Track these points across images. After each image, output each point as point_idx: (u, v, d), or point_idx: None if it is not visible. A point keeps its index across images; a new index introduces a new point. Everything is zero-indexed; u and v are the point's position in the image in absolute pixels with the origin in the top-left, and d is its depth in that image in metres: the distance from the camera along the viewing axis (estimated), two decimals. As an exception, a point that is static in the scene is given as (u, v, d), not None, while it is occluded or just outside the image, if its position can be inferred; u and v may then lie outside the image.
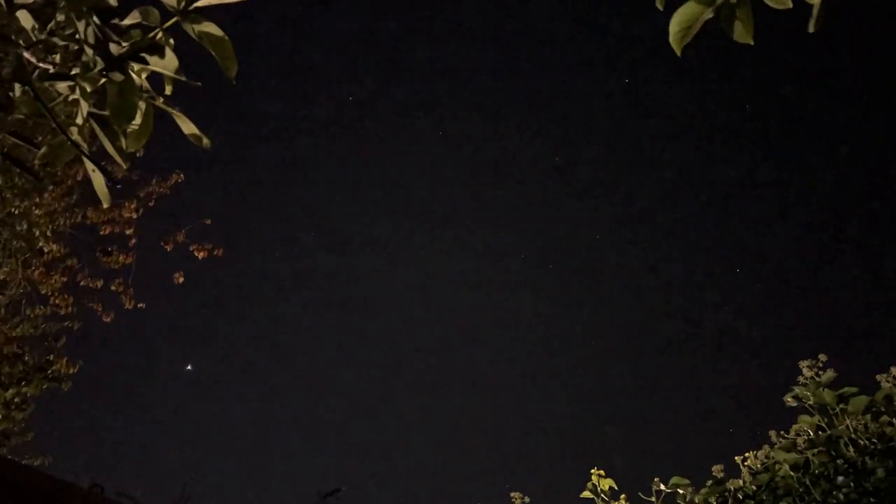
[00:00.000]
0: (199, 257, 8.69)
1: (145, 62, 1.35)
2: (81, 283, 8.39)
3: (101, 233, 8.36)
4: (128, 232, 8.46)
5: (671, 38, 1.33)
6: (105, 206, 1.36)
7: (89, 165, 1.34)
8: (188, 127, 1.43)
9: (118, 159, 1.35)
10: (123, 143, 1.39)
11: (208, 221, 8.85)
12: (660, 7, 1.32)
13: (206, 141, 1.40)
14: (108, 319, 8.44)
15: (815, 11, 1.27)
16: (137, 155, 7.78)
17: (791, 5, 1.29)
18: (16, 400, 7.64)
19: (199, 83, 1.36)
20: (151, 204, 8.49)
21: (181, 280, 8.74)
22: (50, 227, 7.77)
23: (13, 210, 7.29)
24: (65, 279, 8.21)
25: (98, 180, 1.34)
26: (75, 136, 1.39)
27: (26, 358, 7.92)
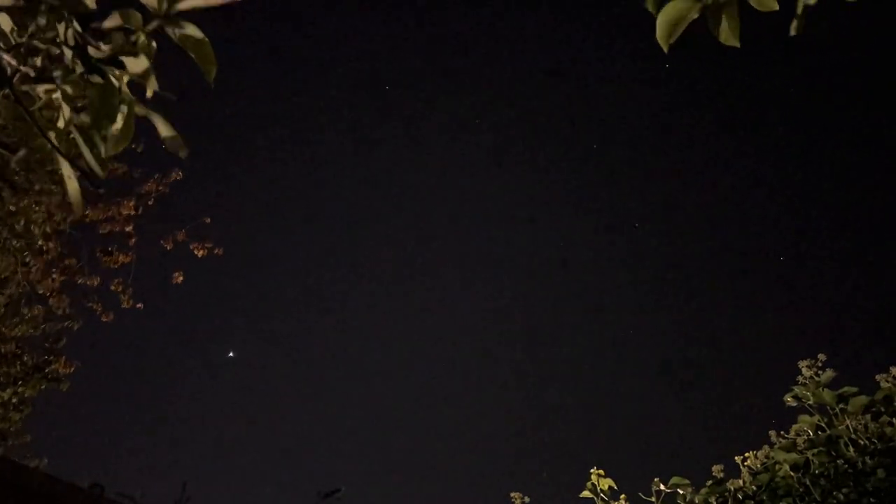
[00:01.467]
0: (200, 256, 8.67)
1: (122, 66, 1.33)
2: (80, 283, 8.38)
3: (101, 232, 8.34)
4: (127, 230, 8.43)
5: (658, 36, 1.31)
6: (77, 214, 1.33)
7: (66, 171, 1.32)
8: (166, 130, 1.41)
9: (95, 167, 1.33)
10: (102, 149, 1.37)
11: (208, 220, 8.83)
12: (651, 10, 1.30)
13: (184, 151, 1.38)
14: (108, 319, 8.42)
15: (798, 11, 1.25)
16: (138, 151, 7.76)
17: (777, 7, 1.27)
18: (13, 400, 7.62)
19: (175, 97, 1.34)
20: (150, 202, 8.47)
21: (180, 280, 8.72)
22: (48, 225, 7.74)
23: (11, 207, 7.27)
24: (64, 278, 8.19)
25: (73, 186, 1.32)
26: (56, 141, 1.37)
27: (25, 358, 7.90)
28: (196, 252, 8.59)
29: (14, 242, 7.41)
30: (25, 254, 7.62)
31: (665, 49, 1.27)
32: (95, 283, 8.34)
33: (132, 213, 8.28)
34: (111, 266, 8.35)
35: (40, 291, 7.95)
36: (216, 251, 8.73)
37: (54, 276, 8.07)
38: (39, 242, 7.66)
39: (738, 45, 1.23)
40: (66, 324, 8.24)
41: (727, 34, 1.23)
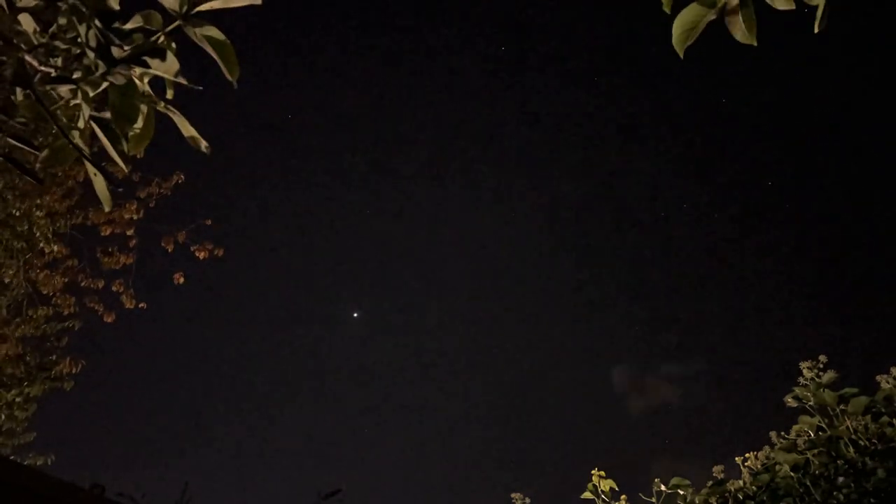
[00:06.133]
0: (201, 257, 8.69)
1: (146, 66, 1.35)
2: (83, 284, 8.39)
3: (102, 233, 8.36)
4: (128, 233, 8.45)
5: (674, 40, 1.33)
6: (106, 208, 1.35)
7: (91, 169, 1.33)
8: (188, 130, 1.43)
9: (119, 163, 1.35)
10: (125, 146, 1.39)
11: (208, 222, 8.84)
12: (667, 10, 1.32)
13: (204, 144, 1.40)
14: (110, 319, 8.44)
15: (819, 12, 1.27)
16: (138, 157, 7.77)
17: (794, 6, 1.29)
18: (17, 400, 7.64)
19: (201, 87, 1.36)
20: (152, 205, 8.49)
21: (181, 280, 8.74)
22: (51, 227, 7.76)
23: (14, 211, 7.29)
24: (66, 280, 8.21)
25: (99, 184, 1.34)
26: (77, 140, 1.39)
27: (28, 358, 7.92)
28: (197, 254, 8.61)
29: (17, 244, 7.43)
30: (29, 255, 7.64)
31: (680, 54, 1.29)
32: (100, 286, 8.37)
33: (134, 216, 8.30)
34: (112, 267, 8.37)
35: (44, 292, 7.98)
36: (216, 252, 8.74)
37: (56, 277, 8.09)
38: (42, 244, 7.68)
39: (755, 43, 1.25)
40: (67, 324, 8.26)
41: (744, 33, 1.25)
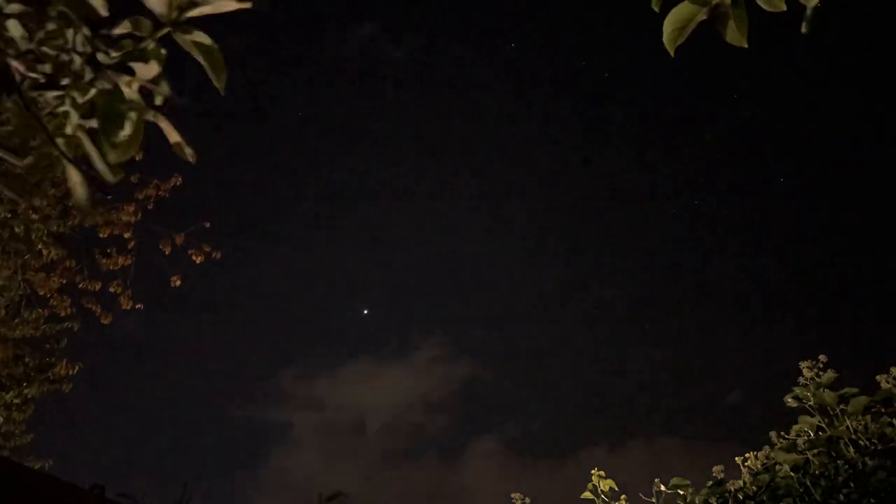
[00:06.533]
0: (197, 261, 8.62)
1: (132, 72, 1.34)
2: (80, 285, 8.36)
3: (100, 235, 8.32)
4: (126, 234, 8.41)
5: (665, 39, 1.32)
6: (85, 218, 1.34)
7: (75, 177, 1.32)
8: (174, 137, 1.41)
9: (105, 171, 1.33)
10: (110, 154, 1.37)
11: (207, 224, 8.79)
12: (655, 8, 1.31)
13: (189, 152, 1.38)
14: (107, 321, 8.40)
15: (808, 12, 1.26)
16: (137, 159, 7.73)
17: (785, 7, 1.28)
18: (16, 401, 7.63)
19: (185, 101, 1.35)
20: (150, 207, 8.44)
21: (178, 283, 8.68)
22: (45, 230, 7.73)
23: (8, 215, 7.26)
24: (63, 281, 8.18)
25: (78, 193, 1.32)
26: (63, 147, 1.38)
27: (26, 359, 7.91)
28: (194, 257, 8.56)
29: (14, 245, 7.40)
30: (26, 256, 7.61)
31: (671, 52, 1.27)
32: (98, 287, 8.33)
33: (132, 219, 8.25)
34: (110, 268, 8.34)
35: (41, 293, 7.95)
36: (214, 255, 8.69)
37: (53, 278, 8.06)
38: (39, 246, 7.65)
39: (745, 45, 1.23)
40: (65, 325, 8.24)
41: (735, 34, 1.23)
